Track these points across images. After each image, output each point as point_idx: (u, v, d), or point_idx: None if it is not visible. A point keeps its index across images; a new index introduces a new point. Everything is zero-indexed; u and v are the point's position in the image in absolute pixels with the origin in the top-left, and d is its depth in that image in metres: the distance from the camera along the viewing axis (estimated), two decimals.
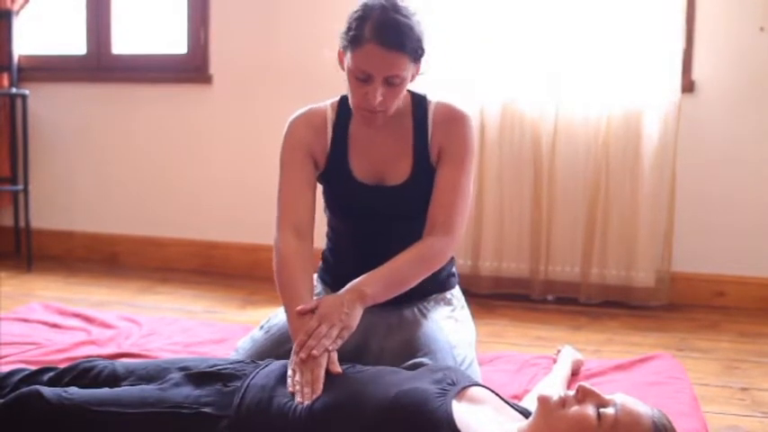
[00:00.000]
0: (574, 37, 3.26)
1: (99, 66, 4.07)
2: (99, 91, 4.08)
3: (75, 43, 4.13)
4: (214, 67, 3.89)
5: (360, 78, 1.78)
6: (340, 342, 1.66)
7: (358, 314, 1.73)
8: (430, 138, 1.94)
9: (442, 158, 1.94)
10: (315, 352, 1.61)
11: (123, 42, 4.07)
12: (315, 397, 1.52)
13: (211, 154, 3.94)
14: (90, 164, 4.12)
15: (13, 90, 3.94)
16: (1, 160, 4.08)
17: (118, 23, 4.06)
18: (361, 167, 1.97)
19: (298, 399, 1.52)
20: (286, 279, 1.85)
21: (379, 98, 1.78)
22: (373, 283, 1.79)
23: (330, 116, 1.99)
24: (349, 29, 1.78)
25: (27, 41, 4.15)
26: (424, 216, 1.95)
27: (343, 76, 1.87)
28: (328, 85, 3.59)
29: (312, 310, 1.72)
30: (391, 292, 1.84)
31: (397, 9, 1.76)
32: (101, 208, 4.12)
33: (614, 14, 3.23)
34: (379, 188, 1.95)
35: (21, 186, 3.96)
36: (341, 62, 1.87)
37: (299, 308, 1.74)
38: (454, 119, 1.94)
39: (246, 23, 3.82)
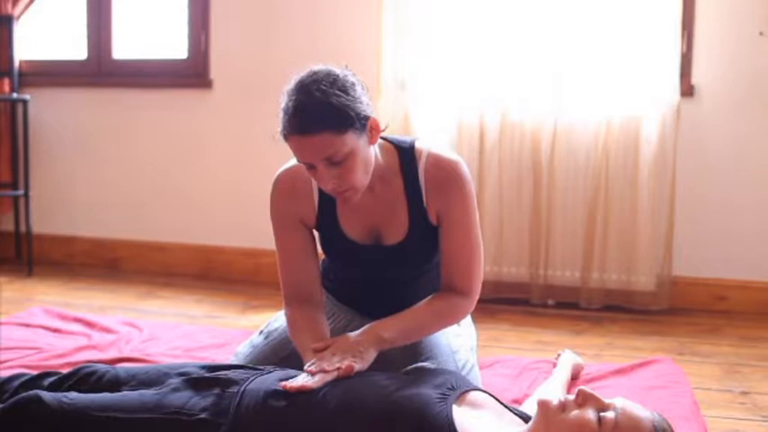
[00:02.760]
0: (573, 42, 3.26)
1: (100, 71, 4.08)
2: (100, 96, 4.08)
3: (75, 48, 4.14)
4: (214, 72, 3.89)
5: (307, 167, 1.70)
6: (350, 371, 1.62)
7: (372, 356, 1.70)
8: (425, 199, 1.84)
9: (444, 222, 1.85)
10: (327, 367, 1.60)
11: (124, 47, 4.08)
12: (302, 385, 1.52)
13: (212, 159, 3.94)
14: (91, 169, 4.12)
15: (14, 95, 3.94)
16: (2, 165, 4.08)
17: (118, 29, 4.07)
18: (353, 229, 1.89)
19: (284, 383, 1.54)
20: (300, 344, 1.81)
21: (333, 180, 1.68)
22: (391, 329, 1.77)
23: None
24: (280, 122, 1.68)
25: (28, 47, 4.16)
26: (425, 263, 1.94)
27: None
28: None
29: (326, 348, 1.70)
30: (408, 339, 1.83)
31: (306, 90, 1.63)
32: (101, 213, 4.12)
33: (613, 19, 3.24)
34: (374, 247, 1.89)
35: (21, 191, 3.96)
36: None
37: (314, 345, 1.72)
38: (448, 180, 1.82)
39: (247, 28, 3.82)
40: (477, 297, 1.91)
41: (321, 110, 1.61)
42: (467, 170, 1.85)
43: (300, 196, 1.88)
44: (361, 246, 1.89)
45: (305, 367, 1.64)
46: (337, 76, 1.66)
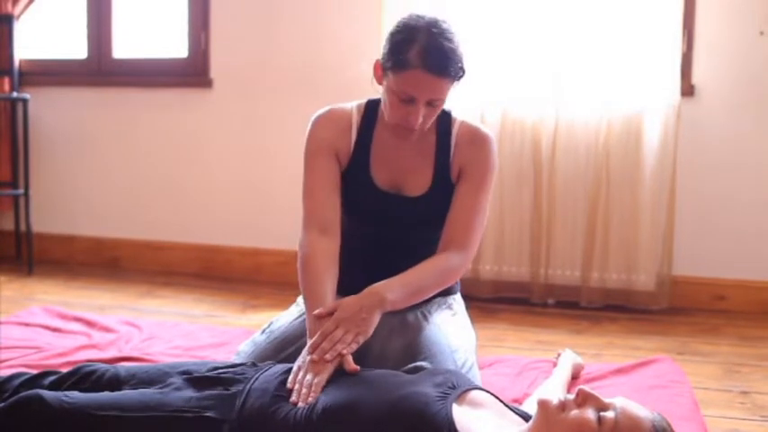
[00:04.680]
0: (574, 40, 3.27)
1: (100, 70, 4.08)
2: (100, 95, 4.08)
3: (76, 47, 4.14)
4: (215, 71, 3.89)
5: (402, 99, 1.80)
6: (355, 347, 1.67)
7: (375, 320, 1.73)
8: (452, 156, 1.97)
9: (462, 178, 1.96)
10: (328, 356, 1.62)
11: (124, 46, 4.08)
12: (310, 401, 1.52)
13: (212, 158, 3.94)
14: (91, 168, 4.12)
15: (14, 94, 3.94)
16: (2, 164, 4.08)
17: (119, 28, 4.07)
18: (381, 175, 1.98)
19: (293, 398, 1.53)
20: (309, 280, 1.85)
21: (421, 119, 1.82)
22: (394, 289, 1.79)
23: (356, 119, 2.00)
24: (393, 50, 1.79)
25: (28, 45, 4.15)
26: (438, 228, 1.96)
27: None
28: (329, 88, 3.63)
29: (330, 314, 1.73)
30: (410, 300, 1.86)
31: (441, 33, 1.77)
32: (102, 212, 4.13)
33: (614, 18, 3.24)
34: (396, 197, 1.97)
35: (21, 190, 3.96)
36: (377, 75, 1.88)
37: (316, 311, 1.74)
38: (477, 140, 1.97)
39: (247, 27, 3.82)
40: (472, 257, 1.98)
41: (455, 58, 1.78)
42: (495, 144, 1.99)
43: (340, 130, 1.99)
44: (383, 193, 1.96)
45: (306, 347, 1.66)
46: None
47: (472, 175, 1.95)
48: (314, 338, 1.67)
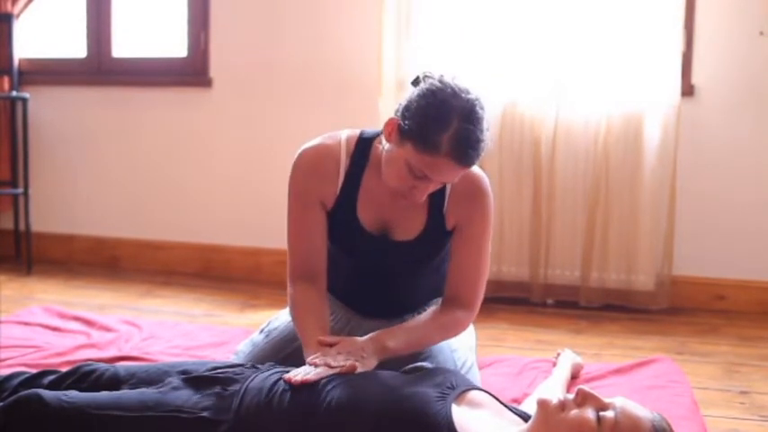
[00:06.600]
0: (575, 40, 3.26)
1: (99, 69, 4.08)
2: (99, 94, 4.08)
3: (75, 46, 4.13)
4: (214, 71, 3.89)
5: (414, 175, 1.68)
6: (352, 370, 1.63)
7: (373, 364, 1.70)
8: (447, 205, 1.86)
9: (460, 234, 1.87)
10: (332, 363, 1.61)
11: (124, 46, 4.07)
12: (308, 378, 1.53)
13: (212, 157, 3.94)
14: (90, 167, 4.12)
15: (14, 93, 3.94)
16: (1, 164, 4.08)
17: (118, 27, 4.06)
18: (369, 218, 1.88)
19: (289, 375, 1.55)
20: (303, 329, 1.82)
21: (426, 194, 1.74)
22: (396, 338, 1.78)
23: (343, 161, 1.86)
24: (422, 127, 1.63)
25: (28, 45, 4.15)
26: (424, 266, 1.95)
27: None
28: (329, 88, 3.62)
29: (332, 345, 1.71)
30: (410, 349, 1.83)
31: (476, 122, 1.64)
32: (101, 211, 4.12)
33: (615, 18, 3.24)
34: (385, 240, 1.89)
35: (21, 190, 3.96)
36: (389, 134, 1.72)
37: (320, 338, 1.73)
38: (474, 196, 1.86)
39: (247, 27, 3.82)
40: (477, 310, 1.93)
41: (482, 148, 1.67)
42: (489, 185, 1.89)
43: (325, 175, 1.87)
44: (371, 236, 1.88)
45: (309, 359, 1.65)
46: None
47: (471, 233, 1.87)
48: (314, 355, 1.66)
